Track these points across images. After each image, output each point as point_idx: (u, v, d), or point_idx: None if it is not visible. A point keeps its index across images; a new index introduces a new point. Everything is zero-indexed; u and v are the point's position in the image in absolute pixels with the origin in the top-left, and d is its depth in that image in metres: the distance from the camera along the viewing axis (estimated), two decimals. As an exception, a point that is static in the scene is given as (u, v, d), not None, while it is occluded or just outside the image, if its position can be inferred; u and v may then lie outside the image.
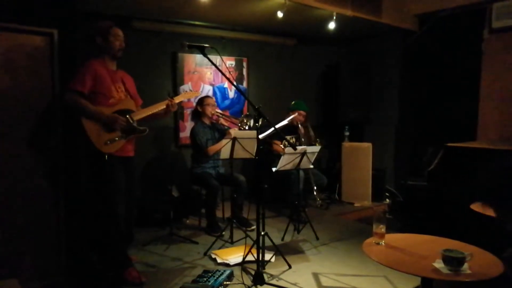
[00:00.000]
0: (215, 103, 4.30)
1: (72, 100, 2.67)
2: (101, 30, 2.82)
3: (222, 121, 4.21)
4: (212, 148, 3.97)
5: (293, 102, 4.75)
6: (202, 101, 4.13)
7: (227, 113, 5.00)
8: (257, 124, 2.80)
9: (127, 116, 2.85)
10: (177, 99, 3.12)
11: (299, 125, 4.60)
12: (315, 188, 4.65)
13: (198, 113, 4.14)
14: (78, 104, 2.68)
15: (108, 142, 2.76)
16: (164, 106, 3.03)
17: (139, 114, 2.95)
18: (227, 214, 4.37)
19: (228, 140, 3.44)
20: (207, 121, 4.16)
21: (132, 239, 3.18)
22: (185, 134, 4.87)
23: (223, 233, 3.77)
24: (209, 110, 4.09)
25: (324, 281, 2.90)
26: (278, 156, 3.84)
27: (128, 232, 3.07)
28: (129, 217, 3.05)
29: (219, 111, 4.35)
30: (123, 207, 2.86)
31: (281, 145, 4.52)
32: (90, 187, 3.05)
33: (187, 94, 3.43)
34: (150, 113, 3.01)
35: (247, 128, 3.66)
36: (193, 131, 4.07)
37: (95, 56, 2.84)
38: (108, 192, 2.80)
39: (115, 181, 2.81)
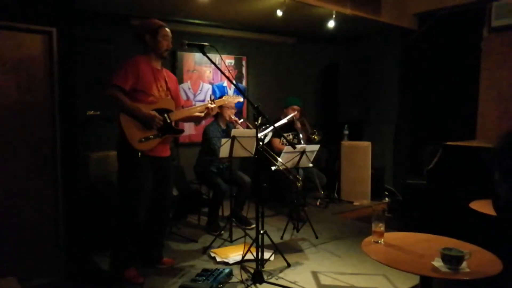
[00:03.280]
0: (234, 107, 4.10)
1: (111, 94, 2.65)
2: (151, 28, 2.83)
3: (238, 126, 4.07)
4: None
5: (286, 99, 4.73)
6: None
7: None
8: (256, 123, 2.80)
9: (165, 115, 2.83)
10: (218, 103, 3.12)
11: (295, 121, 4.58)
12: (318, 183, 4.54)
13: (215, 114, 3.88)
14: (117, 99, 2.65)
15: (143, 139, 2.73)
16: (204, 109, 3.03)
17: (177, 114, 2.93)
18: (226, 213, 4.37)
19: (227, 139, 3.43)
20: (222, 124, 4.08)
21: (162, 245, 3.19)
22: (185, 133, 4.85)
23: (222, 231, 3.77)
24: (228, 113, 3.99)
25: (323, 279, 2.91)
26: (277, 154, 3.83)
27: (159, 236, 3.10)
28: (163, 221, 3.07)
29: (236, 118, 4.10)
30: (143, 207, 2.81)
31: (281, 143, 4.51)
32: (117, 183, 2.96)
33: (229, 97, 3.35)
34: (188, 114, 3.02)
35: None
36: (206, 132, 4.01)
37: (141, 53, 2.86)
38: (130, 189, 2.77)
39: (140, 180, 2.77)
